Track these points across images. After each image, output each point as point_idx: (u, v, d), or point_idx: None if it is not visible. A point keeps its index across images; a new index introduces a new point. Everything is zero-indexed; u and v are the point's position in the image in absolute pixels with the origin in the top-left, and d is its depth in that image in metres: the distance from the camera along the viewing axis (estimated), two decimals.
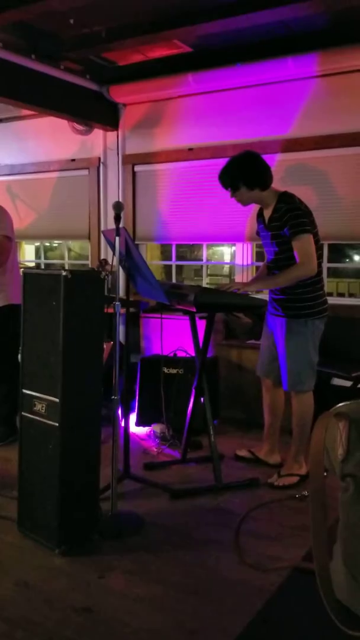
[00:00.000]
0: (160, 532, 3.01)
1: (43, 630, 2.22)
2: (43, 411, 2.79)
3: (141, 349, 5.60)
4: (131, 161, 5.67)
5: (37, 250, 7.14)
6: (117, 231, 2.97)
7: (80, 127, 5.82)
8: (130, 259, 3.28)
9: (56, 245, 7.28)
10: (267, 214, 3.65)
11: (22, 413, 2.92)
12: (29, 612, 2.33)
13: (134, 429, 4.53)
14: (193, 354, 3.97)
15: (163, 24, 4.06)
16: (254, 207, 3.91)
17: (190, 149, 5.29)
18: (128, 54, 4.70)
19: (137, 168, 5.67)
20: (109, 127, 5.67)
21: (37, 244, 7.02)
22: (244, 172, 3.59)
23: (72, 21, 4.11)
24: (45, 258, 6.94)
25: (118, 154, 5.72)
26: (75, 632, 2.21)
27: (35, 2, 3.67)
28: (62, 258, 6.70)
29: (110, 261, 5.17)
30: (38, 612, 2.33)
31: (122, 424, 3.50)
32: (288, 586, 2.50)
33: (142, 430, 4.65)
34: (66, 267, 4.89)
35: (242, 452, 4.06)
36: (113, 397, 3.02)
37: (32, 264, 7.07)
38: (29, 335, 2.91)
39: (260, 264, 4.39)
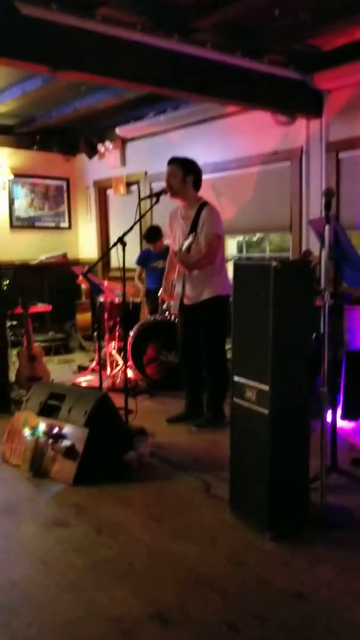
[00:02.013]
0: None
1: (258, 610, 2.27)
2: (253, 398, 2.85)
3: (345, 342, 5.44)
4: (335, 148, 5.53)
5: (239, 244, 7.28)
6: (327, 219, 2.92)
7: (283, 119, 5.81)
8: (339, 248, 3.21)
9: (256, 239, 7.36)
10: None
11: (233, 399, 3.00)
12: (243, 590, 2.41)
13: (340, 422, 4.42)
14: None
15: None
16: None
17: None
18: (333, 38, 4.58)
19: (341, 155, 5.52)
20: (312, 116, 5.59)
21: (240, 238, 7.16)
22: None
23: (277, 12, 4.12)
24: (247, 252, 7.06)
25: (321, 141, 5.62)
26: (291, 617, 2.24)
27: None
28: (263, 251, 6.76)
29: (314, 252, 5.12)
30: (252, 591, 2.40)
31: (330, 417, 3.44)
32: None
33: (348, 425, 4.52)
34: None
35: None
36: (322, 388, 2.99)
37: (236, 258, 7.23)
38: (239, 324, 2.98)
39: None
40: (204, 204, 4.31)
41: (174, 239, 4.49)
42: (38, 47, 3.86)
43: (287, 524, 2.84)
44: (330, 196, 2.91)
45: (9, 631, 2.17)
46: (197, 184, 4.36)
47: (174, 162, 4.31)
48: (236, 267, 3.02)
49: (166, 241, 6.35)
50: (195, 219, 4.28)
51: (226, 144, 6.54)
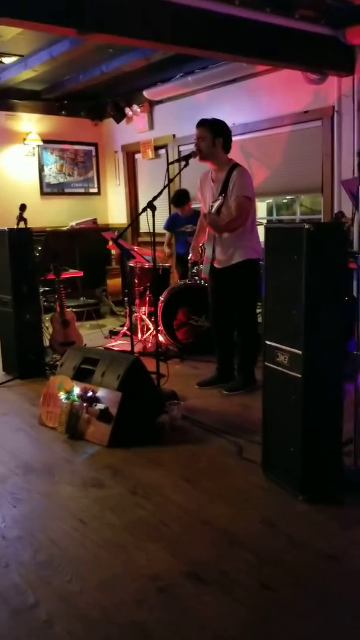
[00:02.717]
0: None
1: (289, 570, 2.32)
2: (286, 362, 2.85)
3: None
4: None
5: (269, 206, 7.20)
6: None
7: (313, 77, 5.67)
8: None
9: (286, 201, 7.26)
10: None
11: (265, 363, 3.01)
12: (276, 551, 2.45)
13: None
14: None
15: None
16: None
17: None
18: None
19: None
20: (344, 73, 5.44)
21: (269, 200, 7.07)
22: None
23: None
24: (277, 215, 6.97)
25: (354, 99, 5.46)
26: (322, 577, 2.28)
27: None
28: (294, 214, 6.67)
29: (347, 214, 5.04)
30: (285, 552, 2.44)
31: None
32: None
33: None
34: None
35: None
36: (355, 351, 2.98)
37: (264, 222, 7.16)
38: (271, 288, 2.97)
39: None
40: (234, 166, 4.25)
41: (204, 202, 4.46)
42: (65, 10, 3.81)
43: (320, 486, 2.87)
44: None
45: (50, 586, 2.26)
46: (227, 145, 4.30)
47: (203, 124, 4.24)
48: (268, 230, 2.99)
49: (195, 205, 6.31)
50: (226, 181, 4.23)
51: (255, 104, 6.41)
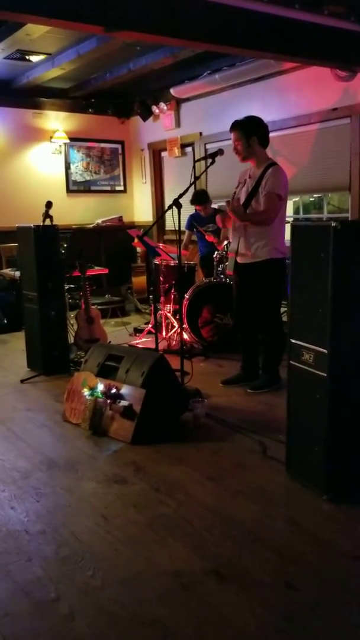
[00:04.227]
0: None
1: (314, 570, 2.30)
2: (311, 361, 2.82)
3: None
4: None
5: (296, 205, 7.13)
6: None
7: (342, 74, 5.61)
8: None
9: (313, 200, 7.19)
10: None
11: (290, 362, 2.99)
12: (300, 550, 2.43)
13: None
14: None
15: None
16: None
17: None
18: None
19: None
20: None
21: (296, 199, 7.01)
22: None
23: None
24: (304, 213, 6.91)
25: None
26: (346, 578, 2.25)
27: None
28: (321, 212, 6.61)
29: None
30: (309, 551, 2.42)
31: None
32: None
33: None
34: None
35: None
36: None
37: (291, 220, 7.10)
38: (298, 286, 2.94)
39: None
40: (271, 164, 4.23)
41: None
42: (93, 8, 3.82)
43: (345, 486, 2.84)
44: None
45: (72, 581, 2.27)
46: (264, 141, 4.27)
47: (235, 127, 4.22)
48: (294, 228, 2.96)
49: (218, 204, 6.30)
50: (260, 178, 4.21)
51: (283, 101, 6.37)
